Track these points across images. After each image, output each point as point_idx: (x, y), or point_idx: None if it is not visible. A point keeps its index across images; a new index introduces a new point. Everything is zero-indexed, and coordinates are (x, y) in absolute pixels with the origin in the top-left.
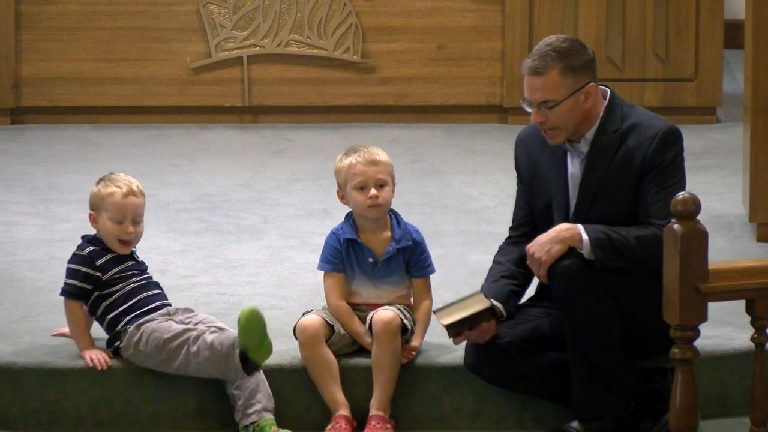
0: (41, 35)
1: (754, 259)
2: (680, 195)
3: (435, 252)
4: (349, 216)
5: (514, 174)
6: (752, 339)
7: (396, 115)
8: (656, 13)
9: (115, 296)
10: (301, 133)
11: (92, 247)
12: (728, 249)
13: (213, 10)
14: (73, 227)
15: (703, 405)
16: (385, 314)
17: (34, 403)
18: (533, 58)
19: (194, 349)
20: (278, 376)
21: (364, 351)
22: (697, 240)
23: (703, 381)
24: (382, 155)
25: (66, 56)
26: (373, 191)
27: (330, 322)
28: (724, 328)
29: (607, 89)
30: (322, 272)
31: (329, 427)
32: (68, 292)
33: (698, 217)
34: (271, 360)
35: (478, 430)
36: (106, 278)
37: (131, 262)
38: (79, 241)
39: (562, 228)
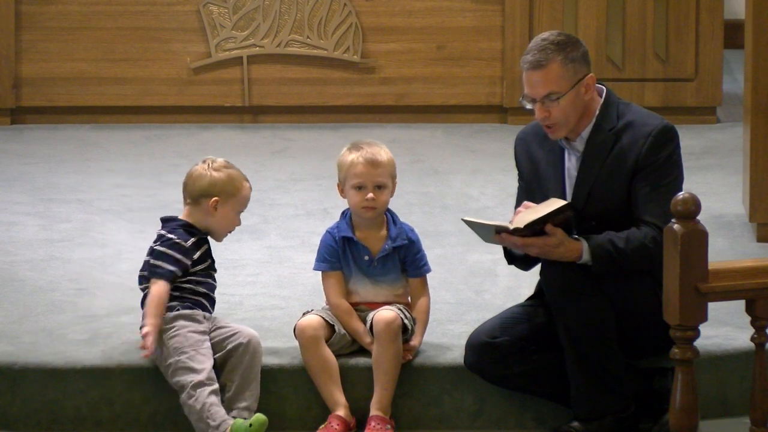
0: (41, 35)
1: (754, 259)
2: (680, 195)
3: (435, 252)
4: (344, 214)
5: (514, 174)
6: (752, 339)
7: (396, 115)
8: (656, 13)
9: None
10: (301, 133)
11: (192, 239)
12: (728, 249)
13: (213, 10)
14: (73, 227)
15: (703, 405)
16: (387, 314)
17: (34, 403)
18: (532, 52)
19: (185, 394)
20: (278, 376)
21: (364, 351)
22: (697, 240)
23: (703, 381)
24: (384, 155)
25: (66, 56)
26: (370, 195)
27: (330, 322)
28: (724, 328)
29: (603, 87)
30: (320, 272)
31: (322, 426)
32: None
33: (698, 217)
34: (272, 360)
35: (478, 430)
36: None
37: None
38: (80, 240)
39: (566, 250)
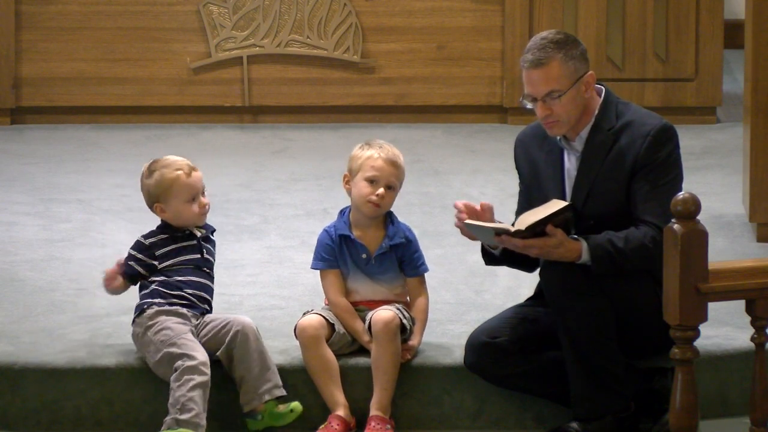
0: (41, 35)
1: (754, 259)
2: (680, 195)
3: (435, 252)
4: (342, 212)
5: (514, 174)
6: (752, 339)
7: (396, 115)
8: (656, 13)
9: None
10: (301, 133)
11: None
12: (728, 249)
13: (213, 10)
14: (73, 227)
15: (703, 405)
16: (385, 314)
17: (34, 403)
18: (532, 51)
19: (176, 375)
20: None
21: (364, 351)
22: (697, 240)
23: (703, 381)
24: (401, 160)
25: (66, 56)
26: (381, 190)
27: (331, 321)
28: (724, 328)
29: (602, 87)
30: (318, 272)
31: (322, 426)
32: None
33: (698, 217)
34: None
35: (478, 430)
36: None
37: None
38: (80, 240)
39: (566, 251)
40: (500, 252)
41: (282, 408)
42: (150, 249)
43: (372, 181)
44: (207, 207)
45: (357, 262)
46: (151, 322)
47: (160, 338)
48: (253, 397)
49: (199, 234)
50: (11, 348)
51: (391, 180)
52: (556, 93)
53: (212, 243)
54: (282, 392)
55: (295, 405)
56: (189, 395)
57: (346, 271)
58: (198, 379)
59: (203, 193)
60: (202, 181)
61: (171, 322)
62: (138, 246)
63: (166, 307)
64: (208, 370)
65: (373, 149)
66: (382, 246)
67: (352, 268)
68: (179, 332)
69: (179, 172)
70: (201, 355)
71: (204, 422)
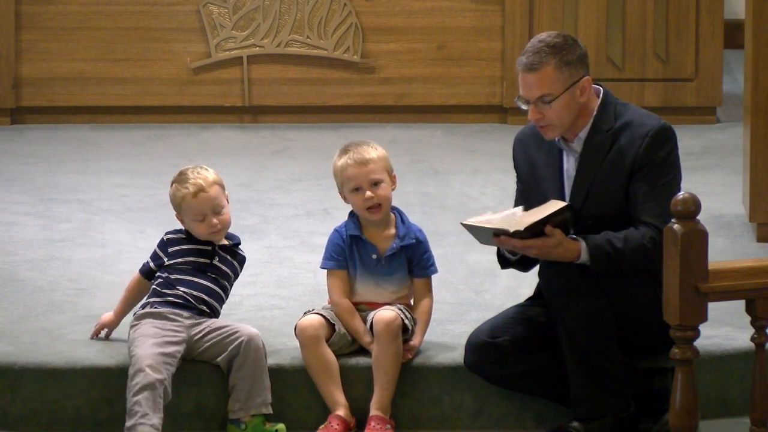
0: (41, 35)
1: (754, 259)
2: (680, 195)
3: (435, 252)
4: (353, 213)
5: (514, 174)
6: (752, 339)
7: (396, 115)
8: (656, 13)
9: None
10: (301, 133)
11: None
12: (728, 249)
13: (213, 10)
14: (73, 227)
15: (703, 405)
16: (387, 314)
17: (34, 403)
18: (527, 54)
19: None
20: (278, 376)
21: (364, 351)
22: (697, 240)
23: (703, 381)
24: (372, 152)
25: (66, 56)
26: (368, 194)
27: (331, 321)
28: (724, 328)
29: (600, 88)
30: (325, 271)
31: (322, 426)
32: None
33: (698, 217)
34: (271, 360)
35: (478, 430)
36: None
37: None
38: (80, 240)
39: (565, 251)
40: (518, 256)
41: (269, 426)
42: (167, 245)
43: (357, 189)
44: (218, 226)
45: (366, 263)
46: (136, 322)
47: (133, 337)
48: (242, 407)
49: (221, 243)
50: (11, 348)
51: (371, 177)
52: (548, 98)
53: (237, 255)
54: (270, 410)
55: (281, 427)
56: (133, 400)
57: (353, 273)
58: (142, 381)
59: (219, 211)
60: (217, 200)
61: (150, 325)
62: (161, 243)
63: (156, 308)
64: (152, 371)
65: (342, 158)
66: (392, 246)
67: (359, 269)
68: (145, 333)
69: (186, 192)
70: (147, 357)
71: (153, 421)
